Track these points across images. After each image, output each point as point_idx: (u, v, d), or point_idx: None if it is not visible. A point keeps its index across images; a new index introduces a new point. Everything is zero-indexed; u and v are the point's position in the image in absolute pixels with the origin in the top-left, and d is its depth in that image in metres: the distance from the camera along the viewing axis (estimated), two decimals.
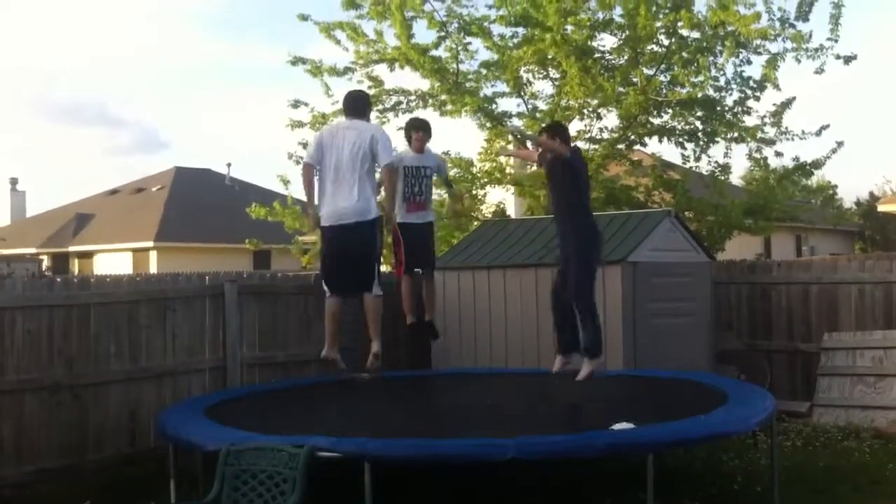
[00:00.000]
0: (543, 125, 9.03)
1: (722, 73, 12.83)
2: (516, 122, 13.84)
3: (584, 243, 7.82)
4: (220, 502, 5.64)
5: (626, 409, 6.91)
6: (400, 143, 9.43)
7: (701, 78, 12.32)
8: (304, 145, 13.42)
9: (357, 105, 8.34)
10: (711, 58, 12.32)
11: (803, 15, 12.32)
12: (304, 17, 13.29)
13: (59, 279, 8.86)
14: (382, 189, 8.50)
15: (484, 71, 13.30)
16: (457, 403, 8.05)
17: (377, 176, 8.22)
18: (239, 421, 6.66)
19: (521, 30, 12.92)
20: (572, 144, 8.26)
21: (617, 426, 6.14)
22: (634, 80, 12.57)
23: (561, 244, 8.11)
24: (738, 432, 7.29)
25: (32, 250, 35.96)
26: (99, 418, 7.85)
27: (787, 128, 13.05)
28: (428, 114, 13.68)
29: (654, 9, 12.24)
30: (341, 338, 8.22)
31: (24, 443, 7.38)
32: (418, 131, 8.88)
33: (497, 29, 13.00)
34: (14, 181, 44.36)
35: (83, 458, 7.70)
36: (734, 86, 13.03)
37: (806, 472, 7.77)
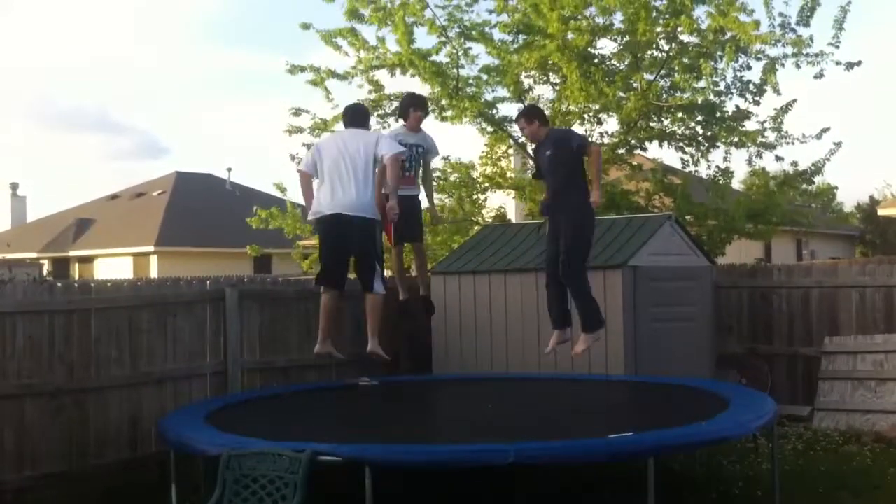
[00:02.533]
0: (518, 110, 9.19)
1: (722, 77, 12.86)
2: (517, 127, 13.85)
3: (578, 219, 8.11)
4: None
5: (626, 414, 6.93)
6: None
7: (702, 83, 12.33)
8: (308, 146, 13.46)
9: (357, 116, 8.41)
10: (712, 63, 12.32)
11: (805, 20, 12.33)
12: (306, 26, 13.29)
13: (59, 284, 8.86)
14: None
15: (485, 76, 13.32)
16: (457, 408, 8.06)
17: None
18: (240, 426, 6.67)
19: (521, 35, 12.95)
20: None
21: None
22: (635, 85, 12.59)
23: (552, 224, 8.33)
24: (739, 436, 7.30)
25: (33, 255, 35.98)
26: (100, 424, 7.85)
27: (787, 132, 13.08)
28: (428, 119, 13.69)
29: (654, 14, 12.25)
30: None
31: (25, 448, 7.37)
32: (417, 110, 9.05)
33: (498, 34, 13.05)
34: (15, 186, 44.39)
35: (84, 464, 7.69)
36: (734, 90, 13.06)
37: (807, 477, 7.77)
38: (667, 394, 8.11)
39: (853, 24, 15.74)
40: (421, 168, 9.19)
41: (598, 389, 8.49)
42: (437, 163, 13.88)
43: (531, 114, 8.62)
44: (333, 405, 8.09)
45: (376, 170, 8.03)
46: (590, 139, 8.19)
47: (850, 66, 12.34)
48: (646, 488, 5.74)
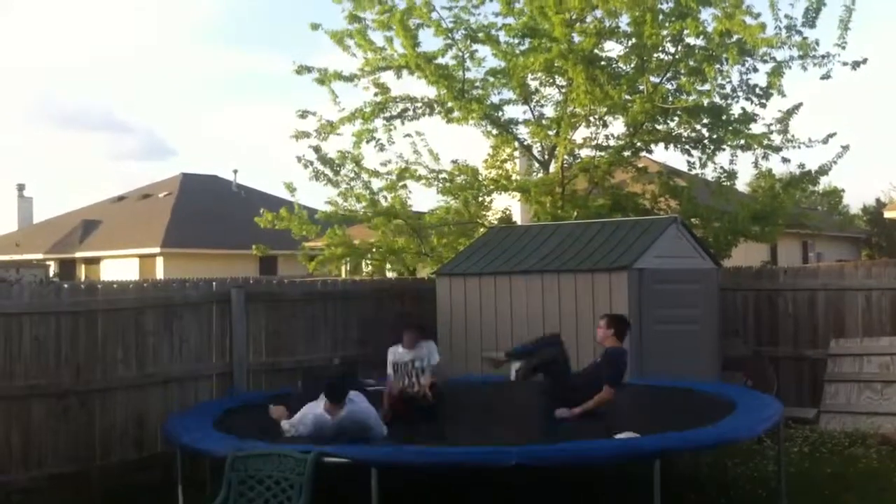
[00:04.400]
0: (615, 316, 7.95)
1: (728, 80, 12.84)
2: (522, 129, 13.87)
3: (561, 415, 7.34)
4: None
5: (633, 418, 6.92)
6: None
7: (707, 86, 12.32)
8: (315, 149, 13.48)
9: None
10: (717, 65, 12.31)
11: (810, 21, 12.31)
12: (315, 27, 13.34)
13: (66, 286, 8.90)
14: None
15: (491, 78, 13.34)
16: (463, 410, 8.06)
17: None
18: (245, 427, 6.68)
19: (527, 38, 12.97)
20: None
21: (620, 436, 6.15)
22: (641, 87, 12.58)
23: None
24: (745, 439, 7.30)
25: (39, 256, 36.07)
26: (106, 424, 7.88)
27: (793, 135, 13.05)
28: (434, 121, 13.75)
29: (660, 17, 12.25)
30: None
31: (31, 448, 7.40)
32: (408, 331, 8.14)
33: (504, 37, 13.06)
34: (21, 187, 44.49)
35: (90, 464, 7.72)
36: (740, 93, 13.04)
37: (813, 479, 7.76)
38: (673, 396, 8.10)
39: (859, 24, 15.72)
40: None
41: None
42: (444, 165, 13.95)
43: (614, 324, 7.73)
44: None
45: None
46: (611, 383, 7.41)
47: (856, 64, 12.32)
48: (651, 489, 5.74)
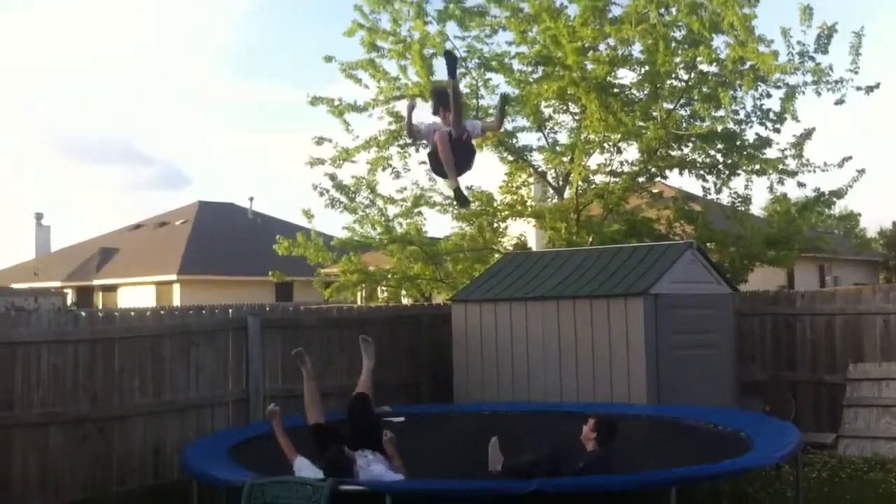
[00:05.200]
0: (597, 416, 7.38)
1: (742, 106, 12.86)
2: (537, 156, 13.89)
3: None
4: None
5: (649, 450, 6.89)
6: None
7: (721, 112, 12.34)
8: (331, 177, 13.56)
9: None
10: (731, 91, 12.34)
11: (822, 48, 12.33)
12: (329, 59, 13.47)
13: (83, 314, 8.95)
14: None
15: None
16: (478, 439, 8.03)
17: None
18: (262, 455, 6.68)
19: (540, 66, 13.05)
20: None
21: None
22: (654, 114, 12.61)
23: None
24: (764, 467, 7.25)
25: (57, 284, 36.25)
26: (123, 452, 7.91)
27: (808, 159, 13.04)
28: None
29: (672, 45, 12.30)
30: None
31: (48, 476, 7.44)
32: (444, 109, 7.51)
33: (517, 65, 13.13)
34: (39, 216, 44.78)
35: (107, 491, 7.75)
36: (754, 118, 13.05)
37: None
38: (691, 431, 8.03)
39: (872, 48, 15.69)
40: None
41: (622, 424, 8.42)
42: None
43: (600, 429, 7.06)
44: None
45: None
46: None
47: (869, 89, 12.34)
48: None
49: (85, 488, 7.61)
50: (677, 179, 14.01)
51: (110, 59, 69.34)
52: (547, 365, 9.58)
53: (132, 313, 10.06)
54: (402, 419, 8.85)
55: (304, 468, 6.31)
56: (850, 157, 13.00)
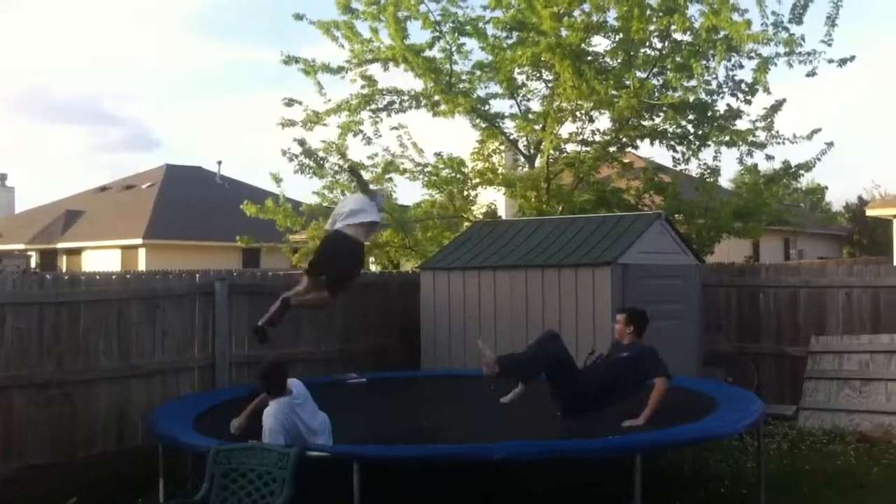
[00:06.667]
0: (621, 308, 7.67)
1: (714, 76, 12.88)
2: (509, 123, 13.86)
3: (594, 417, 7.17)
4: (209, 501, 5.64)
5: (614, 415, 6.95)
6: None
7: (693, 82, 12.35)
8: (300, 142, 13.45)
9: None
10: (703, 62, 12.35)
11: (797, 17, 12.35)
12: (299, 17, 13.32)
13: (49, 276, 8.85)
14: None
15: (478, 72, 13.33)
16: (445, 405, 8.07)
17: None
18: (228, 421, 6.66)
19: (515, 31, 12.97)
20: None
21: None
22: (627, 83, 12.61)
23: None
24: (726, 436, 7.34)
25: (21, 246, 35.80)
26: (88, 416, 7.85)
27: (777, 132, 13.10)
28: (421, 114, 13.72)
29: (647, 12, 12.27)
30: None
31: (12, 439, 7.37)
32: None
33: (492, 30, 13.05)
34: (3, 177, 44.14)
35: (72, 456, 7.70)
36: (726, 89, 13.08)
37: (792, 476, 7.82)
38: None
39: (847, 26, 15.77)
40: None
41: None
42: (429, 158, 13.94)
43: (635, 320, 7.42)
44: (322, 400, 8.06)
45: None
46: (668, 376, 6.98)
47: (842, 62, 12.38)
48: (632, 486, 5.77)
49: (50, 452, 7.55)
50: (648, 150, 14.01)
51: (80, 18, 68.23)
52: (514, 333, 9.61)
53: (97, 277, 9.97)
54: (363, 380, 8.88)
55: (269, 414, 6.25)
56: (819, 130, 13.08)
